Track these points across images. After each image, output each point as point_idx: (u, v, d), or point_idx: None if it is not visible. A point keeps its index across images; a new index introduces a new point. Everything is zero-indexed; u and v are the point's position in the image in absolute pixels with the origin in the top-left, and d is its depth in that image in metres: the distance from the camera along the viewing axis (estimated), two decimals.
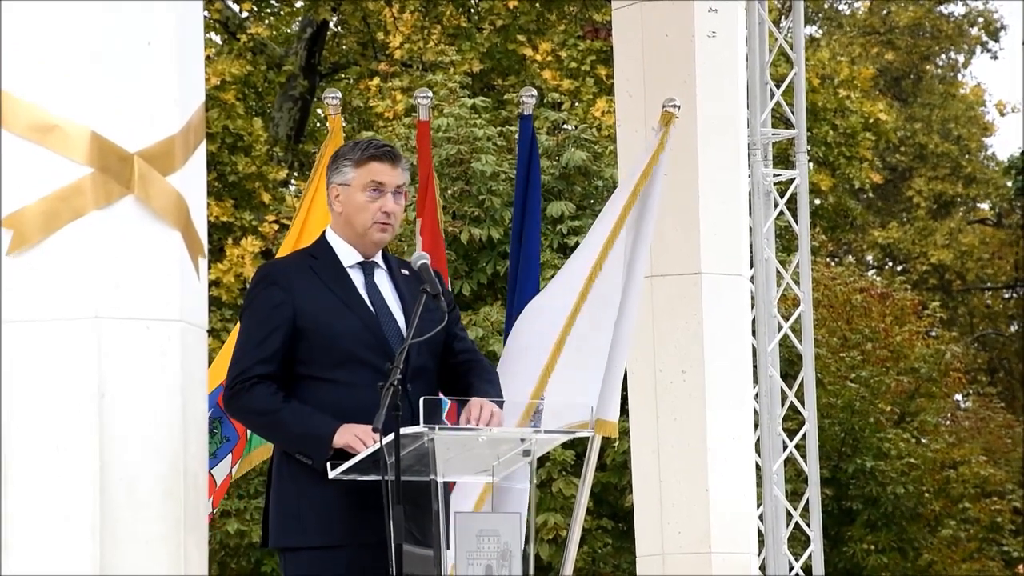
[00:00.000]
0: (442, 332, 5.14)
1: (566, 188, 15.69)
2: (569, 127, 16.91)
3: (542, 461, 14.48)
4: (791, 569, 9.89)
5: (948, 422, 21.17)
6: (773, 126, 10.29)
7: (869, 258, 27.05)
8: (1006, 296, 26.92)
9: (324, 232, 5.35)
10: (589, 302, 6.75)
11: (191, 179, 5.00)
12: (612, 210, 6.99)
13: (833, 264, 22.44)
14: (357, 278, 5.26)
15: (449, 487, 5.10)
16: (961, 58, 27.90)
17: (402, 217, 5.34)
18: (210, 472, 6.45)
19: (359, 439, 4.95)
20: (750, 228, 9.36)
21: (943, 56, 27.80)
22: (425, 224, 7.41)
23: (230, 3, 20.18)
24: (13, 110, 4.83)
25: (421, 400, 4.90)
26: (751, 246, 9.30)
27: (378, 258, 5.32)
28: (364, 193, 5.23)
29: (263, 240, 17.43)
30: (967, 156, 26.15)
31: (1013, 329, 27.00)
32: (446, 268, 7.61)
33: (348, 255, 5.28)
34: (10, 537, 4.76)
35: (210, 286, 13.02)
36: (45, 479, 4.76)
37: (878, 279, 22.67)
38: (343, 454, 4.98)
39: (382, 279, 5.28)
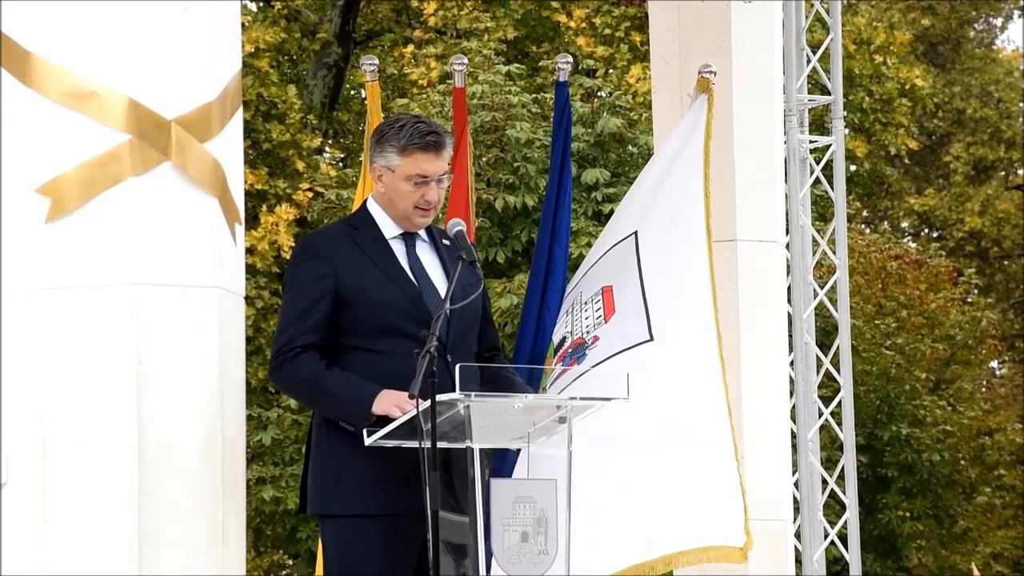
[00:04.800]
0: (480, 299, 5.15)
1: (601, 155, 15.65)
2: (603, 94, 16.87)
3: None
4: (826, 536, 9.88)
5: (984, 389, 21.09)
6: (809, 92, 10.22)
7: (905, 225, 26.93)
8: None
9: (366, 201, 5.34)
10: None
11: (228, 146, 5.01)
12: (688, 189, 6.86)
13: (868, 231, 22.35)
14: (399, 249, 5.25)
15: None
16: (999, 23, 27.73)
17: (443, 198, 5.33)
18: None
19: (398, 407, 4.96)
20: (786, 195, 9.33)
21: (981, 21, 27.61)
22: (454, 190, 7.39)
23: None
24: (51, 77, 4.84)
25: (457, 367, 4.90)
26: (787, 213, 9.26)
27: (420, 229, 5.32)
28: (407, 183, 5.20)
29: (297, 208, 17.45)
30: (1007, 120, 25.98)
31: None
32: (471, 234, 7.60)
33: (389, 227, 5.27)
34: (50, 503, 4.79)
35: (245, 253, 13.01)
36: (83, 445, 4.79)
37: (913, 246, 22.58)
38: (384, 421, 4.99)
39: (424, 250, 5.28)
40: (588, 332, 6.62)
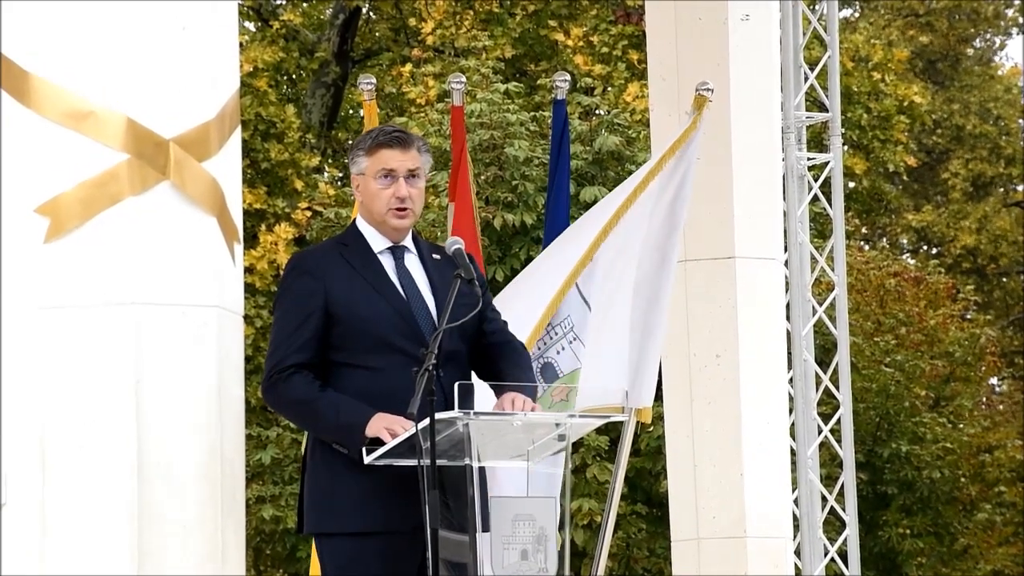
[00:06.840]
0: (476, 318, 5.15)
1: (599, 173, 15.68)
2: (601, 112, 16.90)
3: (576, 447, 14.46)
4: (826, 553, 9.88)
5: (983, 406, 21.09)
6: (807, 109, 10.25)
7: (903, 241, 26.95)
8: None
9: (354, 219, 5.36)
10: (601, 275, 6.79)
11: (226, 165, 5.02)
12: (628, 184, 7.03)
13: (867, 248, 22.37)
14: (387, 263, 5.26)
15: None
16: (998, 40, 27.79)
17: (423, 200, 5.33)
18: None
19: (390, 429, 4.96)
20: (784, 212, 9.34)
21: (980, 39, 27.67)
22: (458, 209, 7.41)
23: None
24: (49, 97, 4.85)
25: (456, 385, 4.90)
26: (785, 230, 9.28)
27: (408, 243, 5.32)
28: (376, 181, 5.22)
29: (296, 227, 17.47)
30: (1006, 137, 26.01)
31: None
32: (479, 252, 7.62)
33: (377, 241, 5.28)
34: (49, 520, 4.79)
35: (244, 273, 13.02)
36: (83, 463, 4.80)
37: (912, 262, 22.59)
38: (378, 441, 4.99)
39: (412, 264, 5.29)
40: None
